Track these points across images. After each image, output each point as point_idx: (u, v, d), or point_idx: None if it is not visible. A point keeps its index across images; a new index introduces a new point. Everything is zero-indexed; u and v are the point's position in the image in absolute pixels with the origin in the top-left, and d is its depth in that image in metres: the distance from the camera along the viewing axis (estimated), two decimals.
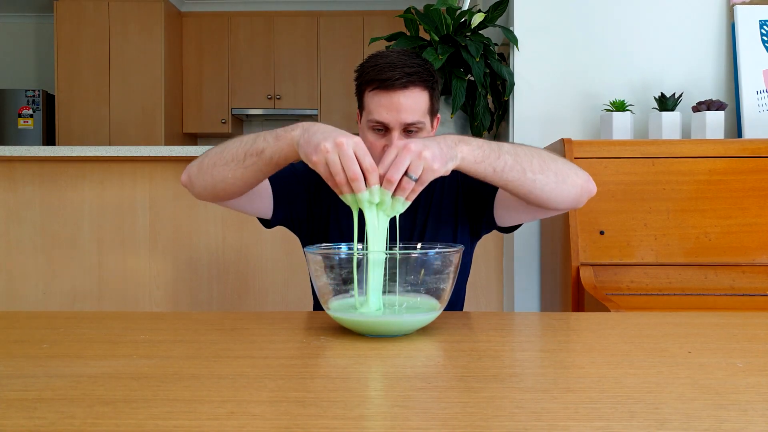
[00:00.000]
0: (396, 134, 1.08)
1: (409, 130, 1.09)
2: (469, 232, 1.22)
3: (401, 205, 0.84)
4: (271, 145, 0.93)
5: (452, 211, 1.20)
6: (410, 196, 0.84)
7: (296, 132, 0.90)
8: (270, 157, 0.94)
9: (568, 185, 0.98)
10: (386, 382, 0.62)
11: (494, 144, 0.93)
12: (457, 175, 1.18)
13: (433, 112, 1.13)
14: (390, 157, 0.83)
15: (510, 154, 0.93)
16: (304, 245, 1.24)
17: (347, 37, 4.90)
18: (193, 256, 2.19)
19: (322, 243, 1.02)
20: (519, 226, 1.21)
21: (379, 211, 0.84)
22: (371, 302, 0.81)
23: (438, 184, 1.22)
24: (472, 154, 0.90)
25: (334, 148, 0.82)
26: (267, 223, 1.22)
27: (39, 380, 0.62)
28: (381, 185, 0.82)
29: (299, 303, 2.16)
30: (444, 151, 0.85)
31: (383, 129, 1.09)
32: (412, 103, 1.07)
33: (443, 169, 0.85)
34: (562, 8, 2.02)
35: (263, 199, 1.15)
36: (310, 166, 0.85)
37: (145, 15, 4.51)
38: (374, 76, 1.08)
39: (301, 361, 0.73)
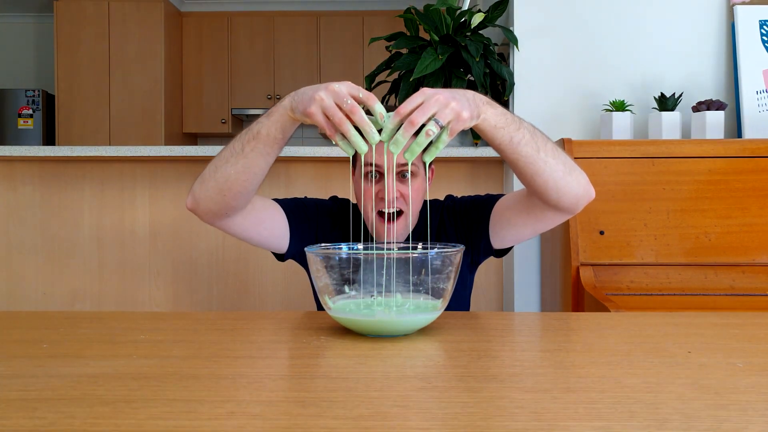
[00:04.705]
0: (390, 177, 1.08)
1: (403, 174, 1.10)
2: (468, 264, 1.22)
3: (417, 147, 0.81)
4: (265, 123, 0.95)
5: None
6: (431, 152, 0.83)
7: (285, 101, 0.93)
8: (267, 134, 0.95)
9: (574, 179, 0.99)
10: (386, 382, 0.62)
11: (516, 116, 0.93)
12: (445, 213, 1.20)
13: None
14: (415, 101, 0.81)
15: (528, 131, 0.93)
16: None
17: (347, 37, 4.89)
18: (193, 256, 2.19)
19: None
20: (511, 248, 1.22)
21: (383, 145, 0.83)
22: (382, 300, 0.81)
23: (434, 226, 1.22)
24: (494, 118, 0.90)
25: (328, 94, 0.83)
26: (281, 257, 1.23)
27: (39, 380, 0.62)
28: (402, 128, 0.80)
29: (299, 303, 2.16)
30: (472, 105, 0.85)
31: (378, 174, 1.12)
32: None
33: (471, 122, 0.85)
34: (562, 8, 2.02)
35: (277, 228, 1.16)
36: (307, 119, 0.86)
37: (145, 15, 4.51)
38: None
39: (301, 361, 0.73)
